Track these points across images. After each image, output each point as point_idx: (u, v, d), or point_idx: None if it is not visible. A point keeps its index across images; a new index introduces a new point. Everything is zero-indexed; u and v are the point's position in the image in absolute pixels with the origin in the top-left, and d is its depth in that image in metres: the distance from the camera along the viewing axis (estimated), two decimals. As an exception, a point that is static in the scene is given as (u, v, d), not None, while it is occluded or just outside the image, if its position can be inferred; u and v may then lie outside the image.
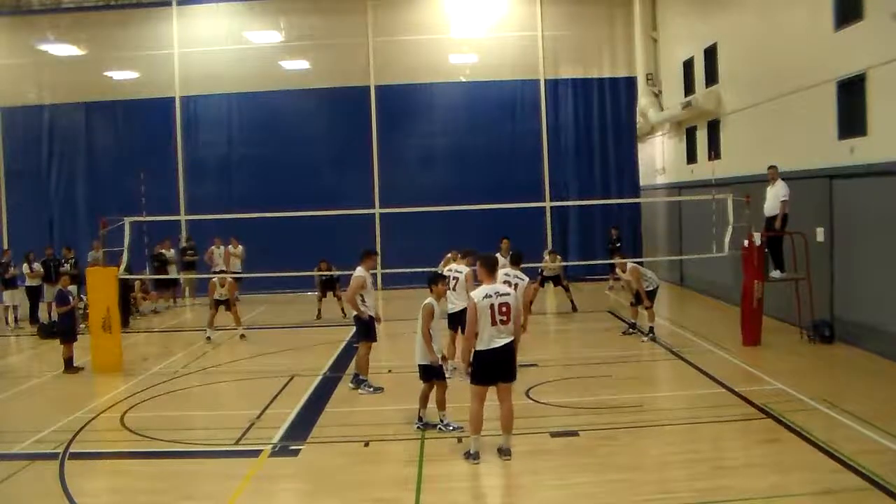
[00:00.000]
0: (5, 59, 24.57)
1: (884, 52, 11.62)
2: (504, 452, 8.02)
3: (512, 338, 7.97)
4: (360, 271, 11.31)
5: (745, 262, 13.66)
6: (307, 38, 24.15)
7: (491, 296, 7.91)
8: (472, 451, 7.93)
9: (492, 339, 7.86)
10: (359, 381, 11.37)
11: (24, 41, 24.33)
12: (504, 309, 7.89)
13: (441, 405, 9.12)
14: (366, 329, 11.35)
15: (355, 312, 11.36)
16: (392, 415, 9.92)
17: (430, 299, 9.22)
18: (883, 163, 11.76)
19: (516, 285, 11.02)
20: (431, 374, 9.06)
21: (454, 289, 11.49)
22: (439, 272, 10.61)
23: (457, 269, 11.79)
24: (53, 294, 15.55)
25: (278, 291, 22.45)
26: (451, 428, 9.03)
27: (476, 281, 10.43)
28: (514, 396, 10.31)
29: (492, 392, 8.08)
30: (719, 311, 17.21)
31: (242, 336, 16.04)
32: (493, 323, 7.84)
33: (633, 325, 14.99)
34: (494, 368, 7.92)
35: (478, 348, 7.89)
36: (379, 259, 22.20)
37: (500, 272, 10.81)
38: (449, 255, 13.96)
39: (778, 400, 9.81)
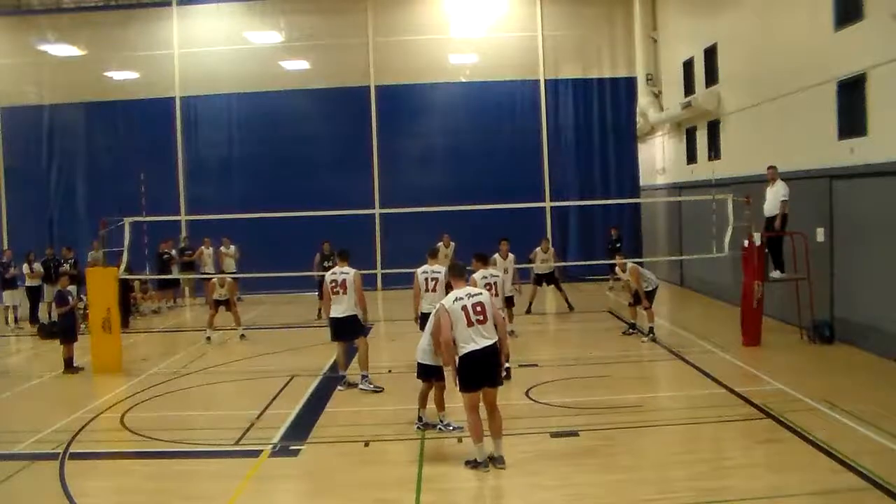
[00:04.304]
0: (5, 59, 24.57)
1: (884, 52, 11.61)
2: (497, 461, 7.82)
3: (494, 339, 7.79)
4: (353, 270, 11.33)
5: (745, 262, 13.66)
6: (307, 38, 24.13)
7: (462, 298, 7.81)
8: (479, 460, 7.79)
9: (470, 339, 7.69)
10: (348, 384, 11.43)
11: (24, 41, 24.33)
12: (479, 308, 7.75)
13: (440, 405, 9.11)
14: (350, 327, 11.40)
15: (355, 314, 11.35)
16: (392, 415, 9.92)
17: None
18: (883, 163, 11.75)
19: (494, 284, 11.24)
20: (431, 373, 9.02)
21: (434, 290, 11.32)
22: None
23: (434, 269, 11.59)
24: (53, 294, 15.54)
25: (278, 291, 22.43)
26: (450, 428, 9.02)
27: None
28: (514, 396, 10.44)
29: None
30: (719, 311, 17.19)
31: (242, 336, 16.03)
32: (470, 324, 7.70)
33: (632, 326, 14.99)
34: (479, 371, 7.74)
35: (459, 353, 7.75)
36: (378, 258, 22.62)
37: (478, 274, 10.93)
38: (441, 242, 13.94)
39: (778, 400, 9.80)
